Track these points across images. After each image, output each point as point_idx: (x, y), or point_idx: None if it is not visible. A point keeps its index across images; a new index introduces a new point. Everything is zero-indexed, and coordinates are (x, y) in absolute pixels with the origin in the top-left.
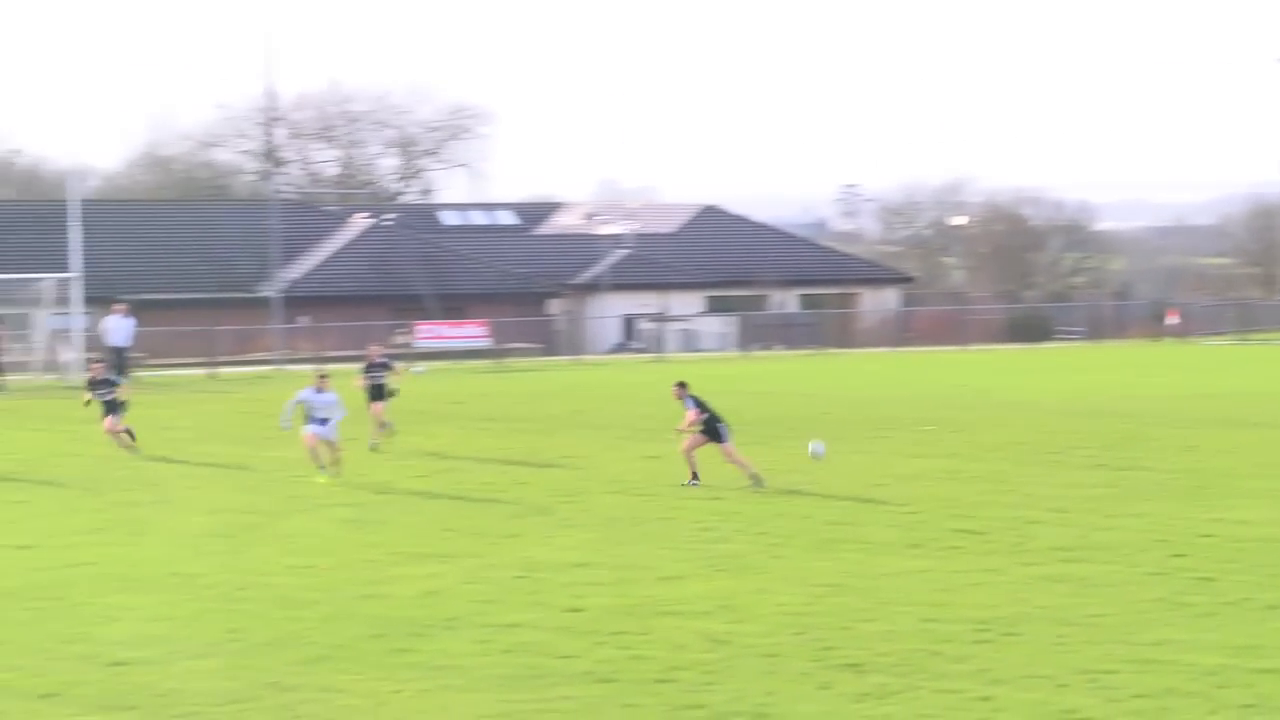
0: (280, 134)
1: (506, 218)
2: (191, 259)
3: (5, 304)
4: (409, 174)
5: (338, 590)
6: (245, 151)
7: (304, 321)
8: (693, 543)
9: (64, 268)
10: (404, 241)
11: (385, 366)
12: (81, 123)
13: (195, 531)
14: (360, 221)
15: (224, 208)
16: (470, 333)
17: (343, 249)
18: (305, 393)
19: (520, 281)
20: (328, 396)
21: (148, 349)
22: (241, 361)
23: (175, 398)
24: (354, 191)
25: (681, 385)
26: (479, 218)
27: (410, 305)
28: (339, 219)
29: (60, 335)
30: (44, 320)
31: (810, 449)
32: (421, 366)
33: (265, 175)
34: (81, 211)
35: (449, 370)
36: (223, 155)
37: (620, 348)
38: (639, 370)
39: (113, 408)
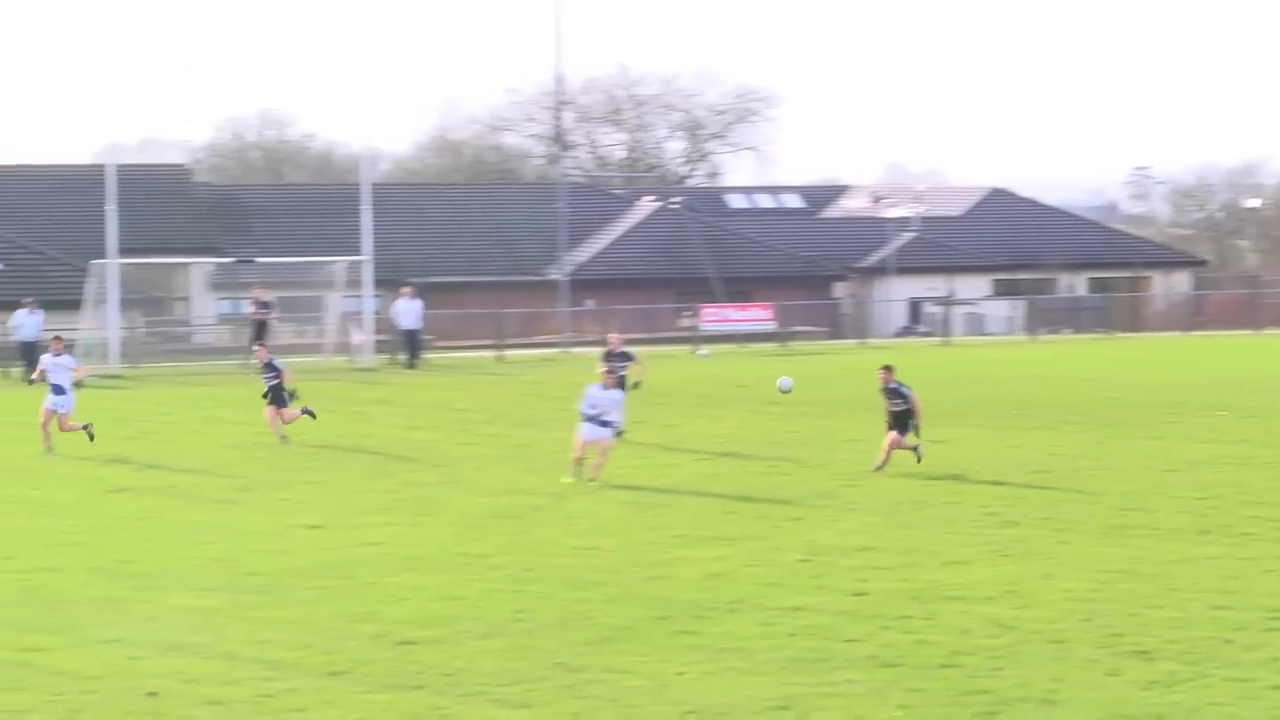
0: (568, 118)
1: (792, 201)
2: (480, 242)
3: (298, 286)
4: (695, 157)
5: (622, 572)
6: (533, 135)
7: (590, 304)
8: (978, 527)
9: (355, 250)
10: (690, 224)
11: (626, 357)
12: (373, 108)
13: (482, 512)
14: (646, 205)
15: (512, 191)
16: (755, 316)
17: (629, 232)
18: (591, 389)
19: (806, 265)
20: (613, 395)
21: (436, 331)
22: (528, 344)
23: (463, 379)
24: (641, 175)
25: (889, 369)
26: (765, 201)
27: (695, 288)
28: (625, 202)
29: (352, 318)
30: (336, 303)
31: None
32: (706, 350)
33: (553, 159)
34: (373, 195)
35: (733, 354)
36: (511, 139)
37: (906, 331)
38: (925, 354)
39: (277, 396)
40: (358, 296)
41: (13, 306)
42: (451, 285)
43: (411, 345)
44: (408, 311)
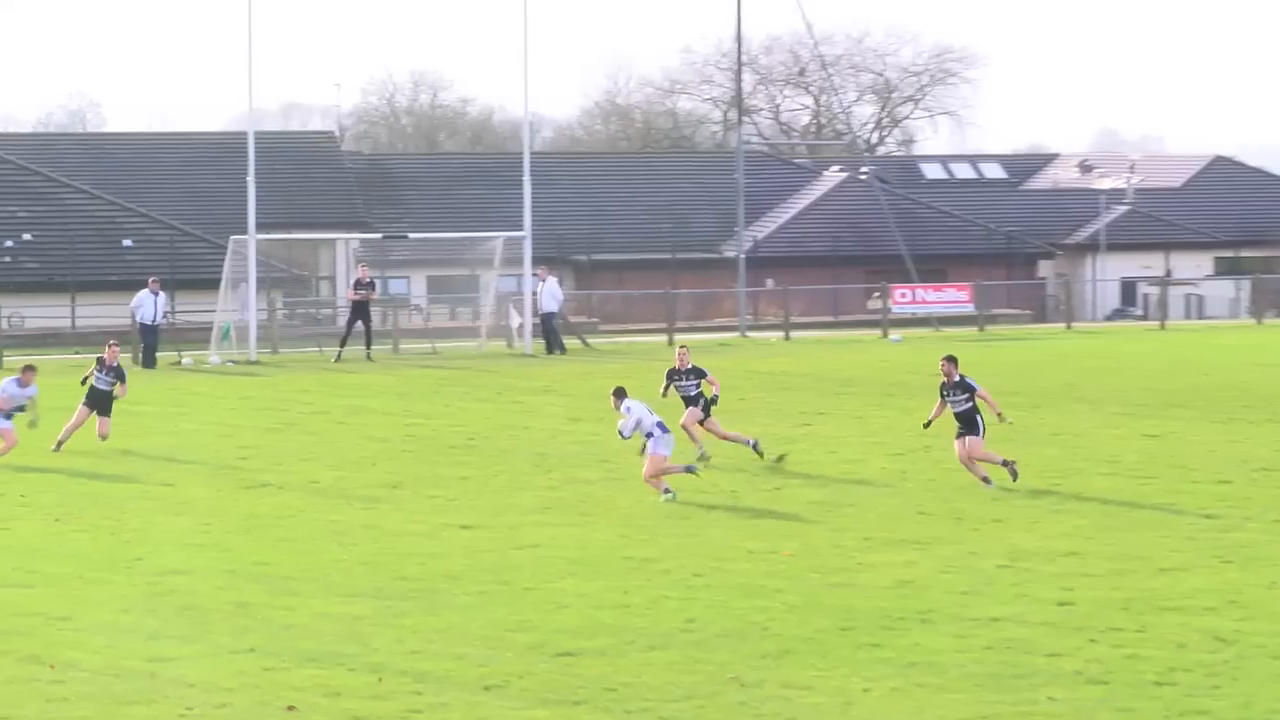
0: (748, 80)
1: (993, 171)
2: (650, 216)
3: (452, 264)
4: (887, 123)
5: (803, 578)
6: (710, 99)
7: (770, 284)
8: (1196, 531)
9: (514, 226)
10: (880, 197)
11: (698, 373)
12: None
13: (649, 512)
14: (833, 175)
15: (685, 160)
16: (951, 297)
17: (813, 205)
18: (641, 410)
19: (1007, 241)
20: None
21: (602, 314)
22: (701, 328)
23: (630, 366)
24: (827, 142)
25: (953, 360)
26: (963, 171)
27: (886, 267)
28: (810, 173)
29: (510, 299)
30: (492, 283)
31: None
32: (896, 335)
33: (731, 125)
34: (533, 165)
35: (927, 338)
36: (685, 104)
37: (1119, 314)
38: (1140, 339)
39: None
40: (516, 275)
41: (143, 287)
42: (618, 263)
43: (547, 331)
44: (543, 294)
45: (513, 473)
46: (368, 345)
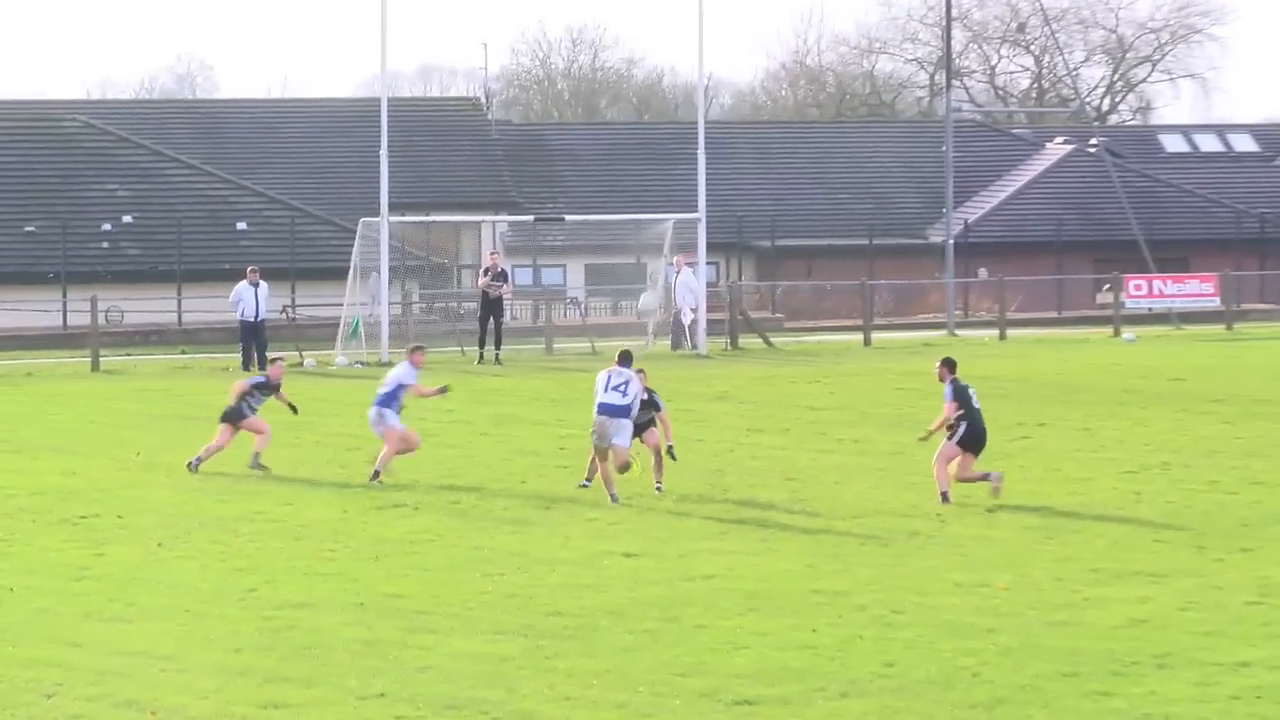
0: (958, 38)
1: (1244, 143)
2: (843, 195)
3: (614, 251)
4: (1120, 88)
5: (1019, 616)
6: (913, 60)
7: (983, 274)
8: None
9: (686, 206)
10: (1113, 173)
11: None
12: (712, 27)
13: (842, 539)
14: (1057, 148)
15: (885, 131)
16: (1194, 290)
17: (1034, 182)
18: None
19: (1261, 225)
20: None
21: (787, 309)
22: (903, 324)
23: (819, 370)
24: (1050, 110)
25: (947, 364)
26: (1209, 143)
27: (1118, 254)
28: (1030, 145)
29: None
30: (661, 271)
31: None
32: (1130, 334)
33: (939, 90)
34: (708, 136)
35: (1166, 338)
36: (886, 65)
37: None
38: None
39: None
40: (691, 264)
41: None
42: (807, 250)
43: (677, 329)
44: (678, 287)
45: (683, 492)
46: (496, 345)
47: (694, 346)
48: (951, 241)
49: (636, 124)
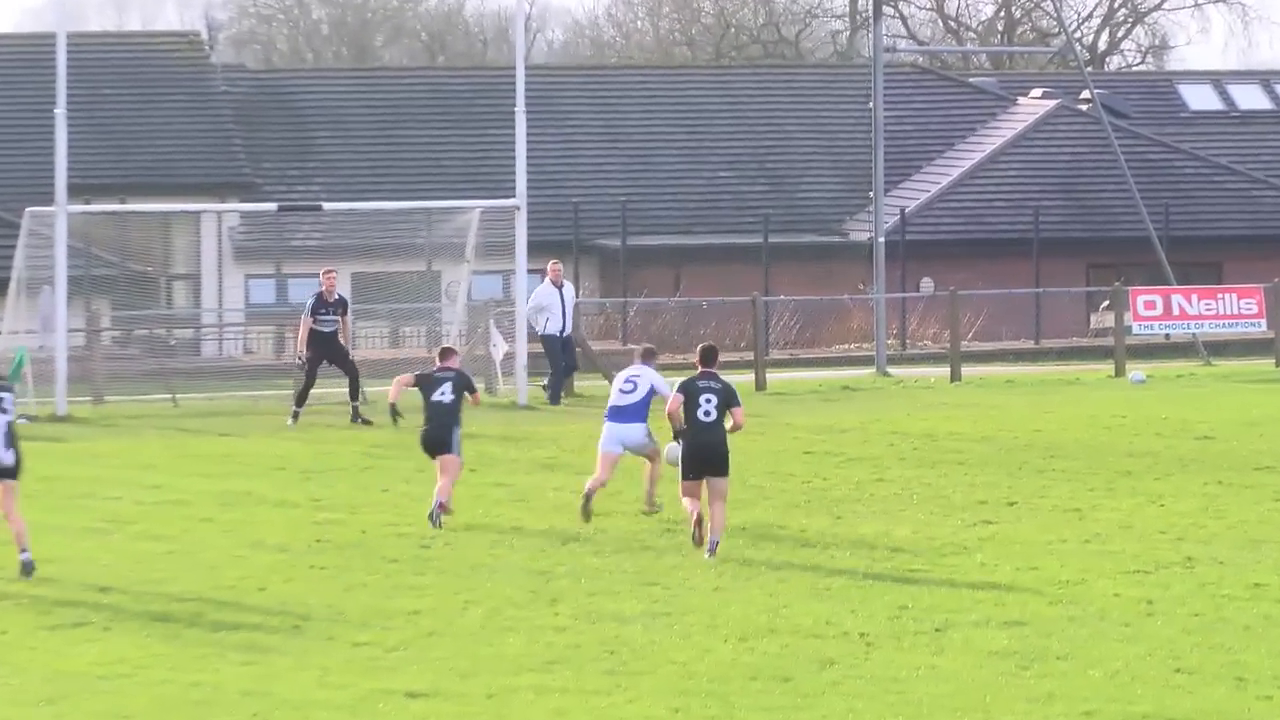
0: None
1: None
2: (724, 173)
3: (395, 254)
4: (1125, 18)
5: None
6: None
7: (927, 286)
8: None
9: (499, 189)
10: (1114, 140)
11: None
12: None
13: (723, 667)
14: (1033, 104)
15: (786, 80)
16: (1230, 308)
17: (1000, 154)
18: None
19: None
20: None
21: (647, 336)
22: (811, 360)
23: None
24: (1024, 50)
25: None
26: (1251, 98)
27: (1120, 257)
28: (996, 100)
29: (492, 310)
30: (464, 283)
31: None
32: (1140, 374)
33: (864, 21)
34: (532, 90)
35: (1190, 376)
36: None
37: None
38: None
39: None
40: (504, 273)
41: None
42: (672, 251)
43: (555, 360)
44: (555, 303)
45: (496, 601)
46: (353, 394)
47: (492, 391)
48: (882, 240)
49: (427, 71)
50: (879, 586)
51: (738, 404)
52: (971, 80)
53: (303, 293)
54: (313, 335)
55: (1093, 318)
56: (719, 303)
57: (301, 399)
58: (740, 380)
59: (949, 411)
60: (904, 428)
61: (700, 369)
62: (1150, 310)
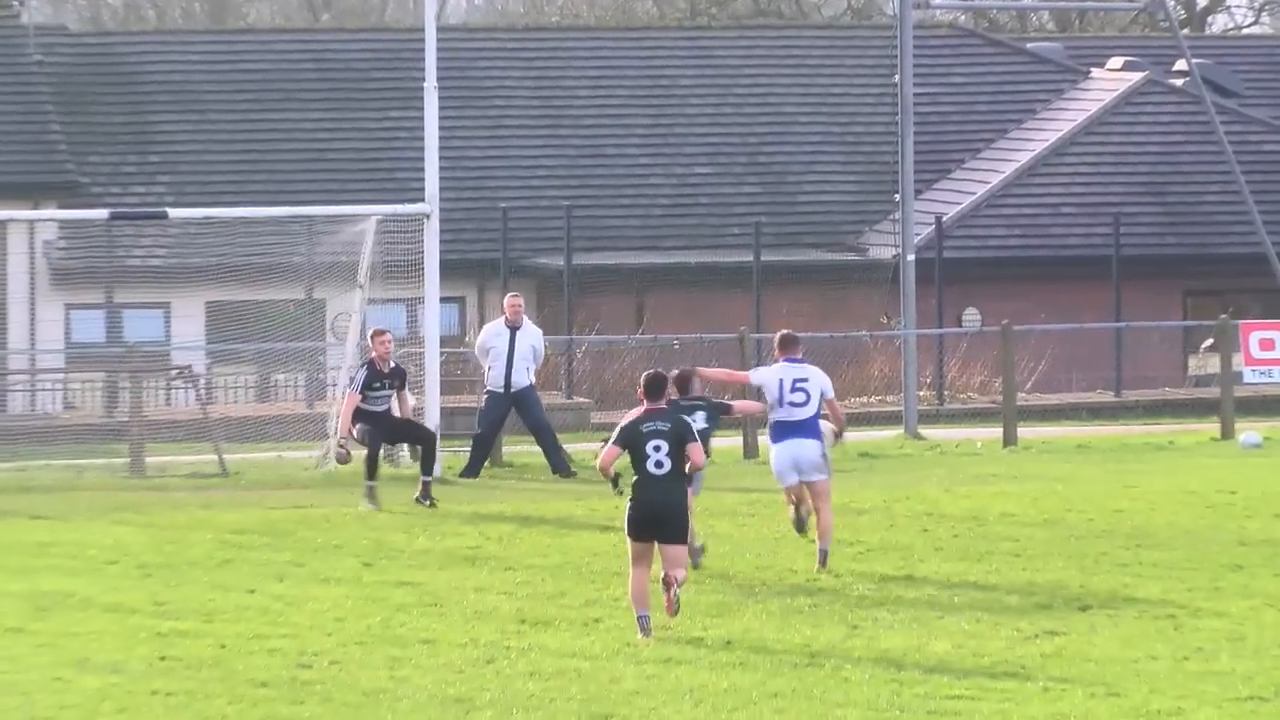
0: None
1: None
2: (702, 169)
3: (265, 279)
4: None
5: None
6: None
7: (971, 319)
8: None
9: (402, 191)
10: (1218, 126)
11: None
12: None
13: None
14: (1110, 78)
15: (784, 47)
16: None
17: (1068, 144)
18: None
19: None
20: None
21: (599, 386)
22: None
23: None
24: (1098, 6)
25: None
26: None
27: (1229, 281)
28: (1062, 73)
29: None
30: (356, 317)
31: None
32: (1253, 437)
33: None
34: (447, 59)
35: None
36: None
37: None
38: None
39: None
40: (407, 301)
41: None
42: (633, 273)
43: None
44: (503, 347)
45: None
46: (426, 467)
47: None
48: (911, 259)
49: (307, 34)
50: None
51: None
52: (1030, 47)
53: (142, 327)
54: (360, 414)
55: (1191, 361)
56: (695, 340)
57: (373, 469)
58: (722, 446)
59: (1001, 486)
60: (941, 508)
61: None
62: (1267, 351)
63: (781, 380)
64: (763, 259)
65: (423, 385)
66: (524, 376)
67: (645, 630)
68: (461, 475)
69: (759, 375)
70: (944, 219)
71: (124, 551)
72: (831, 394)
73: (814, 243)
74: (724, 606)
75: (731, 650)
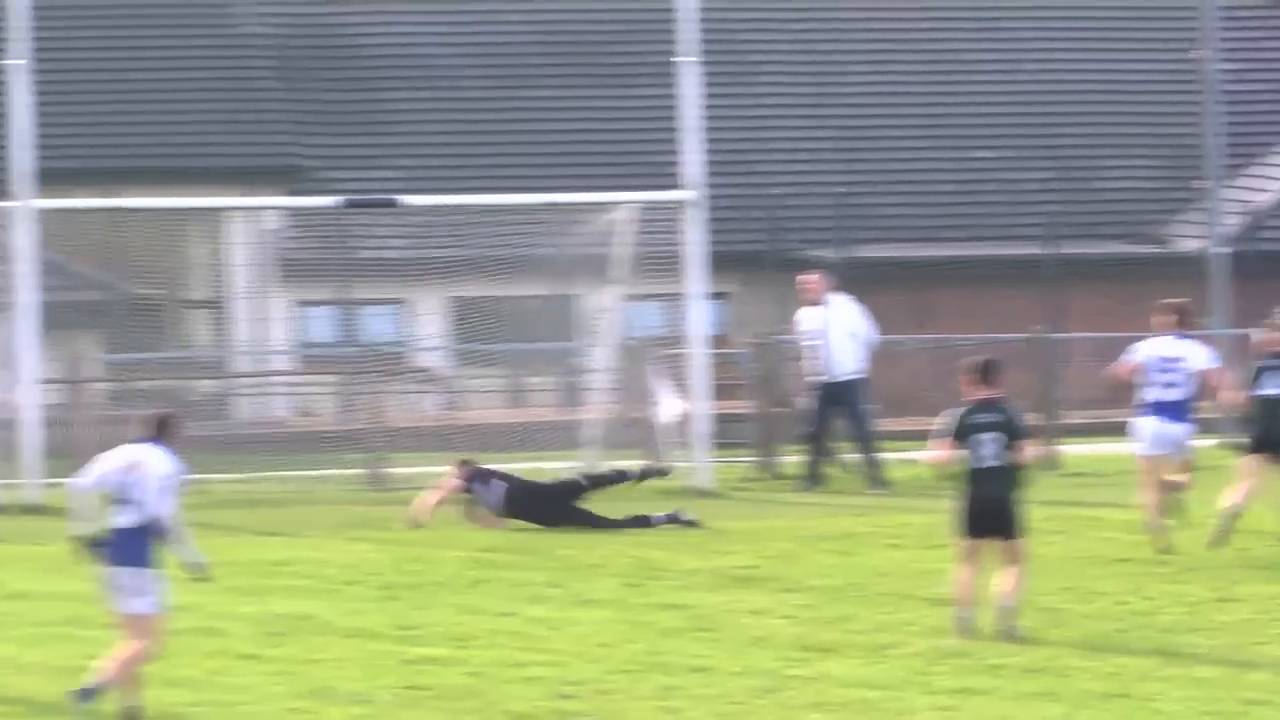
0: None
1: None
2: (983, 152)
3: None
4: None
5: None
6: None
7: None
8: None
9: (661, 175)
10: None
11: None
12: None
13: None
14: None
15: (1073, 20)
16: None
17: None
18: None
19: None
20: None
21: (884, 390)
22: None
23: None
24: None
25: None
26: None
27: None
28: None
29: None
30: (611, 312)
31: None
32: None
33: None
34: (716, 35)
35: None
36: None
37: None
38: None
39: None
40: (672, 297)
41: None
42: (911, 266)
43: (858, 425)
44: (817, 330)
45: None
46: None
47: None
48: (1223, 250)
49: (553, 4)
50: None
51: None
52: None
53: (378, 325)
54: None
55: None
56: (982, 341)
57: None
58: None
59: None
60: (1264, 524)
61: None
62: None
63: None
64: (1061, 250)
65: (689, 388)
66: (848, 363)
67: (964, 629)
68: (801, 487)
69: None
70: (1258, 207)
71: (365, 571)
72: None
73: (1111, 234)
74: (1023, 631)
75: (1034, 679)
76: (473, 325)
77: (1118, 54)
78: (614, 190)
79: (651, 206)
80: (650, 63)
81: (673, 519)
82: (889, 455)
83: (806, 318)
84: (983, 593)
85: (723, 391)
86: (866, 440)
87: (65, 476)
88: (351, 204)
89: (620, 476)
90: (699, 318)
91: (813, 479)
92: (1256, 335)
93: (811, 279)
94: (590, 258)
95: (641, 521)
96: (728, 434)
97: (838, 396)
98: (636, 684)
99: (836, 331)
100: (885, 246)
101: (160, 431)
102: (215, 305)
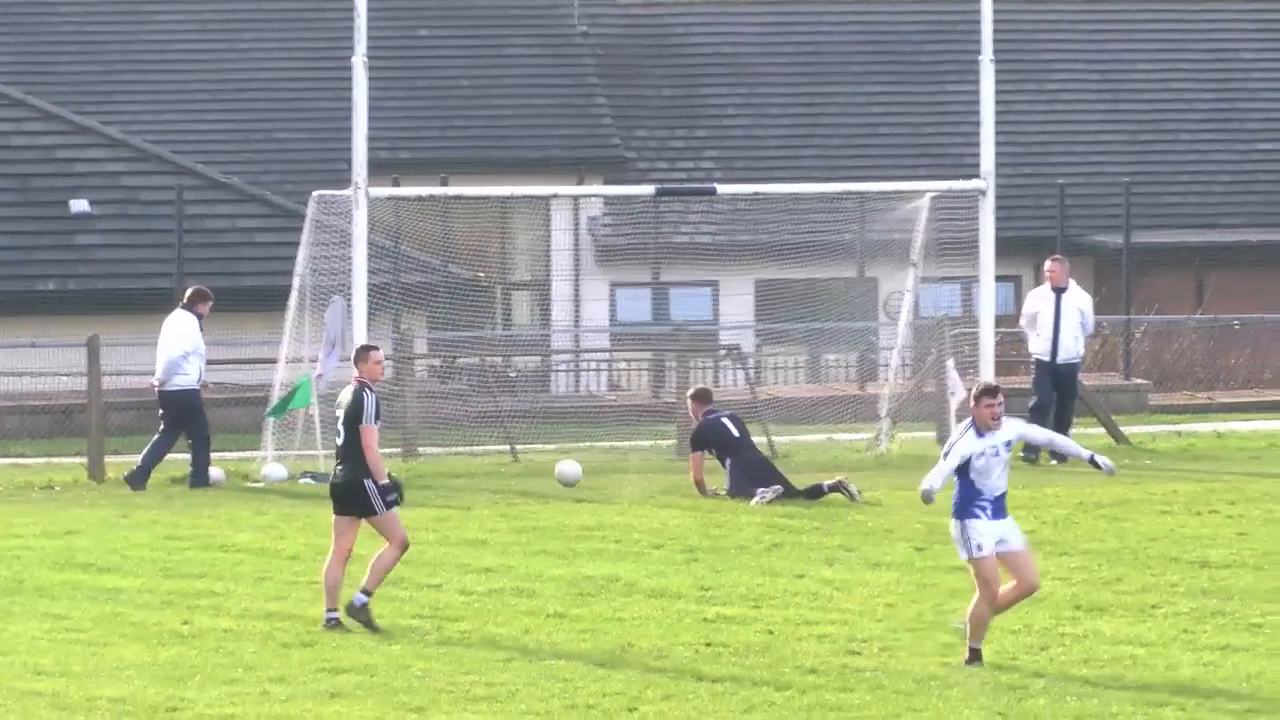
0: None
1: None
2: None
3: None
4: None
5: None
6: None
7: None
8: None
9: (954, 165)
10: None
11: None
12: None
13: None
14: None
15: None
16: None
17: None
18: None
19: None
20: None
21: (1157, 368)
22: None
23: (1230, 488)
24: None
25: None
26: None
27: None
28: None
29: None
30: (907, 296)
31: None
32: None
33: None
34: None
35: None
36: None
37: None
38: None
39: None
40: (964, 280)
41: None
42: (1195, 250)
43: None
44: (1048, 312)
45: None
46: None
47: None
48: None
49: (861, 5)
50: None
51: None
52: None
53: (689, 305)
54: None
55: None
56: (1258, 321)
57: None
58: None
59: None
60: None
61: None
62: None
63: None
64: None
65: (977, 366)
66: (1072, 345)
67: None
68: (1027, 457)
69: None
70: None
71: (669, 535)
72: None
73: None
74: None
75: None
76: (776, 306)
77: None
78: (913, 179)
79: (948, 195)
80: (954, 62)
81: (837, 488)
82: (1159, 429)
83: (1037, 299)
84: None
85: (1007, 368)
86: (1068, 423)
87: (388, 448)
88: (665, 192)
89: (816, 491)
90: (988, 299)
91: (1033, 450)
92: None
93: (1057, 264)
94: (890, 243)
95: (816, 491)
96: (1013, 409)
97: (1062, 377)
98: (920, 641)
99: (1068, 317)
100: (1166, 232)
101: None
102: (537, 286)
